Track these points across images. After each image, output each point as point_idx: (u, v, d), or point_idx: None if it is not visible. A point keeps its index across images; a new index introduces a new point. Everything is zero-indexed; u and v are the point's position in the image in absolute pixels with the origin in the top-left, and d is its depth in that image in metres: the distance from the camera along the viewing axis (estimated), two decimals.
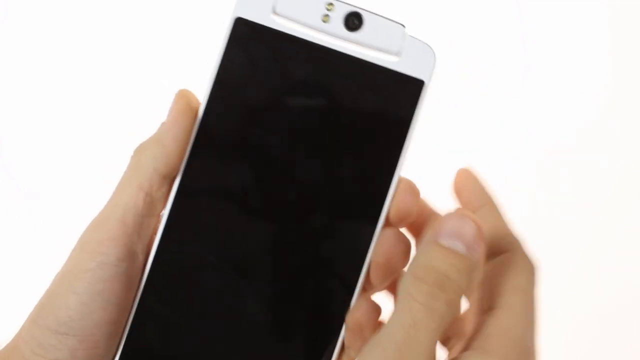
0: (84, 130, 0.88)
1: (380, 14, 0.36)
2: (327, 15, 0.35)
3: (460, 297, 0.33)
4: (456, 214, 0.35)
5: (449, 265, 0.33)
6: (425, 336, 0.32)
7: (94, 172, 0.86)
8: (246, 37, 0.36)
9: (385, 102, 0.35)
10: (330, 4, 0.36)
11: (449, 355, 0.39)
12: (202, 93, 0.37)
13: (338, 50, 0.35)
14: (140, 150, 0.37)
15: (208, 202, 0.36)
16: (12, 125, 0.88)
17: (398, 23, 0.36)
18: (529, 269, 0.37)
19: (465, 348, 0.35)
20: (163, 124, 0.37)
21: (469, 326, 0.38)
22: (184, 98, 0.37)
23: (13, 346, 0.36)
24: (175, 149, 0.36)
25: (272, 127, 0.35)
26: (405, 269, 0.36)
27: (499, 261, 0.37)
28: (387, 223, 0.36)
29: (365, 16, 0.36)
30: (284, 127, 0.35)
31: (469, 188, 0.40)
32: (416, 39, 0.36)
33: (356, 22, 0.36)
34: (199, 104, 0.37)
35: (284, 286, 0.35)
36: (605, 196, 0.84)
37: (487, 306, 0.36)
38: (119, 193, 0.37)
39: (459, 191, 0.40)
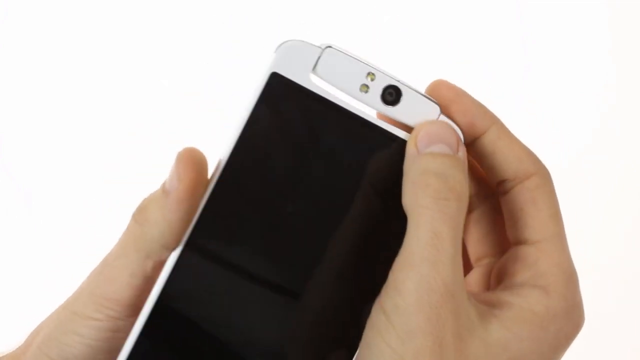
0: (84, 130, 0.88)
1: (419, 91, 0.35)
2: (366, 85, 0.35)
3: (465, 191, 0.33)
4: (426, 123, 0.34)
5: (441, 164, 0.33)
6: (450, 242, 0.32)
7: (94, 172, 0.87)
8: (279, 95, 0.34)
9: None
10: (372, 74, 0.35)
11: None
12: (222, 147, 0.35)
13: (369, 121, 0.35)
14: (144, 219, 0.34)
15: (211, 270, 0.34)
16: (12, 126, 0.88)
17: (434, 102, 0.35)
18: (554, 188, 0.36)
19: (520, 282, 0.35)
20: (169, 194, 0.34)
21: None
22: (193, 167, 0.33)
23: None
24: (183, 227, 0.34)
25: (290, 198, 0.34)
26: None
27: (529, 186, 0.35)
28: None
29: (404, 91, 0.35)
30: (303, 200, 0.34)
31: (463, 106, 0.36)
32: (448, 120, 0.35)
33: (393, 96, 0.35)
34: (207, 169, 0.34)
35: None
36: (607, 200, 0.84)
37: (523, 237, 0.35)
38: (124, 255, 0.34)
39: (448, 107, 0.35)
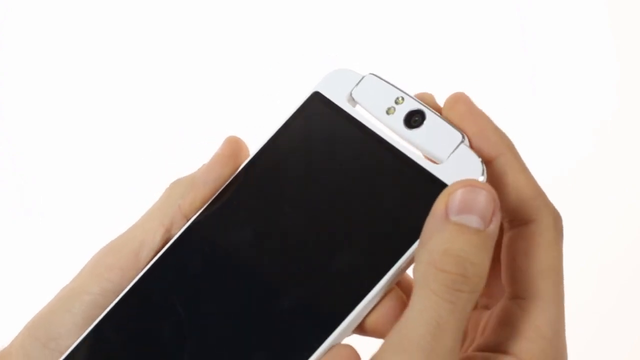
0: (91, 138, 0.87)
1: (445, 118, 0.34)
2: (392, 108, 0.35)
3: (482, 278, 0.30)
4: (465, 183, 0.31)
5: (465, 244, 0.30)
6: (451, 336, 0.29)
7: (97, 173, 0.86)
8: (315, 110, 0.36)
9: (412, 202, 0.33)
10: (401, 98, 0.35)
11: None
12: (253, 146, 0.37)
13: (397, 148, 0.34)
14: (173, 186, 0.36)
15: (204, 258, 0.35)
16: (16, 124, 0.88)
17: (458, 131, 0.34)
18: (558, 240, 0.33)
19: (497, 344, 0.33)
20: (203, 165, 0.36)
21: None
22: (231, 146, 0.36)
23: (7, 352, 0.36)
24: (204, 194, 0.35)
25: (300, 202, 0.35)
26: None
27: (525, 234, 0.33)
28: (362, 330, 0.33)
29: (428, 116, 0.35)
30: (311, 205, 0.35)
31: (477, 128, 0.33)
32: (471, 151, 0.33)
33: (416, 120, 0.35)
34: (247, 153, 0.37)
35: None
36: (610, 204, 0.84)
37: (512, 291, 0.33)
38: (141, 223, 0.35)
39: (459, 124, 0.34)
